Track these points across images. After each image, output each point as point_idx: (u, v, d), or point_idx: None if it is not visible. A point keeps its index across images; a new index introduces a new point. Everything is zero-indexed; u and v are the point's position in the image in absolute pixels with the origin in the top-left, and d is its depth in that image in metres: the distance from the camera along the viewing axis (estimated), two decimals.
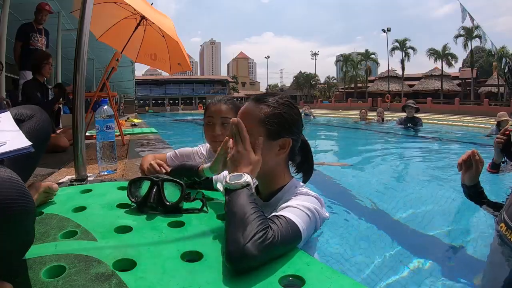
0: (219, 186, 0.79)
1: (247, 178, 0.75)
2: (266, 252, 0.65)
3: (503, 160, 1.69)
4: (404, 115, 6.37)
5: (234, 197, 0.72)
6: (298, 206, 0.80)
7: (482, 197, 1.21)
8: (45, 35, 4.27)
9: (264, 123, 0.87)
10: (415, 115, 6.17)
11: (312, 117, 10.30)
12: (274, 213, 0.78)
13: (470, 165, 1.15)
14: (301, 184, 0.96)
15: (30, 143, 0.72)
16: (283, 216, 0.75)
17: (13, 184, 0.51)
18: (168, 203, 0.92)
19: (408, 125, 6.05)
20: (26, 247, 0.61)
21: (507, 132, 1.47)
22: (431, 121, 9.10)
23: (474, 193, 1.20)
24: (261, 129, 0.87)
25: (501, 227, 0.91)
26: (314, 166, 1.03)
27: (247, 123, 0.86)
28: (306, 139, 1.00)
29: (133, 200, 0.95)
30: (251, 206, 0.71)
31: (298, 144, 0.96)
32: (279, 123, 0.88)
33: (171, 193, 0.94)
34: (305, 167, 1.01)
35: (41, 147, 0.96)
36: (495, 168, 1.78)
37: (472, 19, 9.30)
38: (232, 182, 0.74)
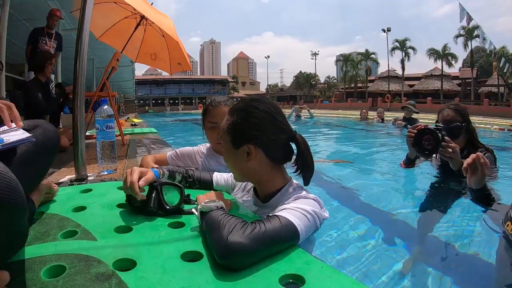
0: (194, 210, 0.82)
1: (220, 203, 0.79)
2: (252, 240, 0.65)
3: (417, 155, 1.69)
4: (400, 115, 6.37)
5: (209, 216, 0.75)
6: (295, 208, 0.80)
7: (489, 199, 1.20)
8: (56, 39, 4.53)
9: (228, 132, 0.93)
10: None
11: (303, 118, 9.82)
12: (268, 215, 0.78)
13: (475, 169, 1.14)
14: (300, 186, 0.96)
15: (30, 134, 0.78)
16: (276, 215, 0.76)
17: (1, 177, 0.50)
18: (168, 207, 0.91)
19: (404, 124, 5.99)
20: (18, 243, 0.61)
21: (419, 127, 1.49)
22: (431, 121, 9.09)
23: (481, 196, 1.19)
24: (227, 138, 0.94)
25: (507, 225, 0.90)
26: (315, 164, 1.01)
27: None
28: (302, 136, 0.95)
29: (133, 205, 0.95)
30: (227, 215, 0.73)
31: (275, 145, 0.92)
32: (235, 132, 0.92)
33: (171, 197, 0.94)
34: (304, 166, 0.95)
35: (48, 157, 0.96)
36: (410, 163, 1.76)
37: (469, 19, 9.26)
38: (207, 205, 0.78)
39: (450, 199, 1.50)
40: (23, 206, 0.55)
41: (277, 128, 0.93)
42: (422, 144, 1.47)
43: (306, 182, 0.97)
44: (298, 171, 0.96)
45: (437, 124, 1.62)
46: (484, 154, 1.57)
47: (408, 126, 5.96)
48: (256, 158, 0.91)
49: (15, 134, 0.79)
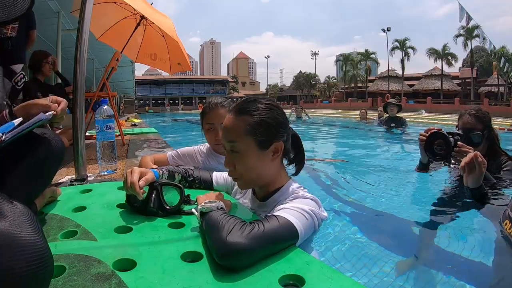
0: (194, 211, 0.82)
1: (220, 203, 0.79)
2: (252, 240, 0.66)
3: (430, 159, 1.62)
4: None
5: (208, 216, 0.75)
6: (293, 208, 0.81)
7: (485, 199, 1.20)
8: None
9: (251, 134, 0.87)
10: (398, 114, 5.53)
11: (306, 118, 9.81)
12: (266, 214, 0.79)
13: (473, 167, 1.13)
14: (298, 185, 0.97)
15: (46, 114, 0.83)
16: (274, 215, 0.76)
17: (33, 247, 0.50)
18: (168, 207, 0.91)
19: (392, 125, 5.40)
20: None
21: (431, 131, 1.45)
22: (431, 121, 9.10)
23: (478, 195, 1.19)
24: (250, 143, 0.88)
25: (505, 224, 0.90)
26: (311, 162, 1.04)
27: (233, 137, 0.88)
28: (297, 132, 1.02)
29: (133, 205, 0.95)
30: (226, 215, 0.73)
31: (290, 142, 0.97)
32: (266, 130, 0.89)
33: (171, 197, 0.94)
34: (297, 159, 1.03)
35: (55, 165, 0.98)
36: (423, 168, 1.68)
37: (469, 19, 9.24)
38: (207, 205, 0.78)
39: (461, 204, 1.46)
40: (50, 274, 0.54)
41: (288, 125, 0.97)
42: (433, 148, 1.43)
43: (297, 173, 1.03)
44: (292, 163, 1.02)
45: (457, 131, 1.57)
46: (505, 162, 1.54)
47: (393, 125, 5.37)
48: (279, 156, 0.93)
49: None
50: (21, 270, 0.47)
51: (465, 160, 1.14)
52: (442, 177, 1.76)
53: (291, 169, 1.04)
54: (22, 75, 1.89)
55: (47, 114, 0.85)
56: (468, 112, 1.60)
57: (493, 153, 1.58)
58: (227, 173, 1.20)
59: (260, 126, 0.88)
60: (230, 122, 0.90)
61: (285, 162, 1.02)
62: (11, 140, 0.75)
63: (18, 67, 1.91)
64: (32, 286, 0.49)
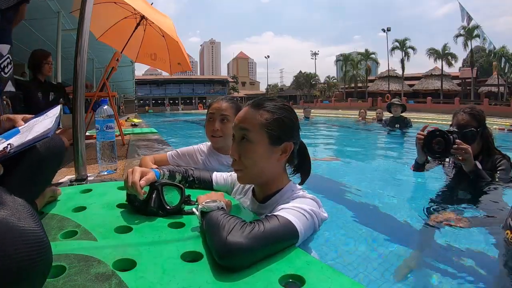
0: (195, 210, 0.82)
1: (221, 203, 0.80)
2: (251, 240, 0.66)
3: (426, 159, 1.64)
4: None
5: (209, 216, 0.75)
6: (293, 208, 0.81)
7: None
8: None
9: (266, 128, 0.88)
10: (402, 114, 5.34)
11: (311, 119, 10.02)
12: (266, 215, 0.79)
13: None
14: (298, 187, 0.97)
15: (50, 128, 0.79)
16: (275, 215, 0.76)
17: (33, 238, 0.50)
18: (168, 207, 0.91)
19: (396, 126, 5.22)
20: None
21: (428, 130, 1.47)
22: (430, 121, 9.10)
23: None
24: (262, 135, 0.89)
25: (507, 233, 0.90)
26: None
27: (247, 126, 0.89)
28: (303, 140, 1.01)
29: (134, 205, 0.95)
30: (227, 215, 0.73)
31: (297, 147, 0.97)
32: (280, 128, 0.90)
33: (171, 197, 0.94)
34: (303, 169, 1.02)
35: (55, 164, 0.98)
36: (419, 168, 1.66)
37: (469, 19, 9.25)
38: (208, 205, 0.78)
39: (457, 205, 1.45)
40: (50, 264, 0.54)
41: (299, 129, 0.98)
42: (432, 147, 1.43)
43: (302, 183, 1.02)
44: (297, 173, 1.01)
45: (450, 129, 1.58)
46: (499, 161, 1.55)
47: (397, 126, 5.20)
48: (287, 157, 0.93)
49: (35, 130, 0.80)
50: (22, 258, 0.47)
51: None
52: (438, 176, 1.77)
53: (296, 178, 1.04)
54: (9, 59, 1.51)
55: (51, 128, 0.83)
56: (462, 110, 1.63)
57: (487, 151, 1.61)
58: (227, 173, 1.20)
59: (275, 122, 0.89)
60: (246, 113, 0.92)
61: (289, 171, 1.01)
62: (16, 153, 0.75)
63: (4, 48, 1.46)
64: (32, 274, 0.49)
